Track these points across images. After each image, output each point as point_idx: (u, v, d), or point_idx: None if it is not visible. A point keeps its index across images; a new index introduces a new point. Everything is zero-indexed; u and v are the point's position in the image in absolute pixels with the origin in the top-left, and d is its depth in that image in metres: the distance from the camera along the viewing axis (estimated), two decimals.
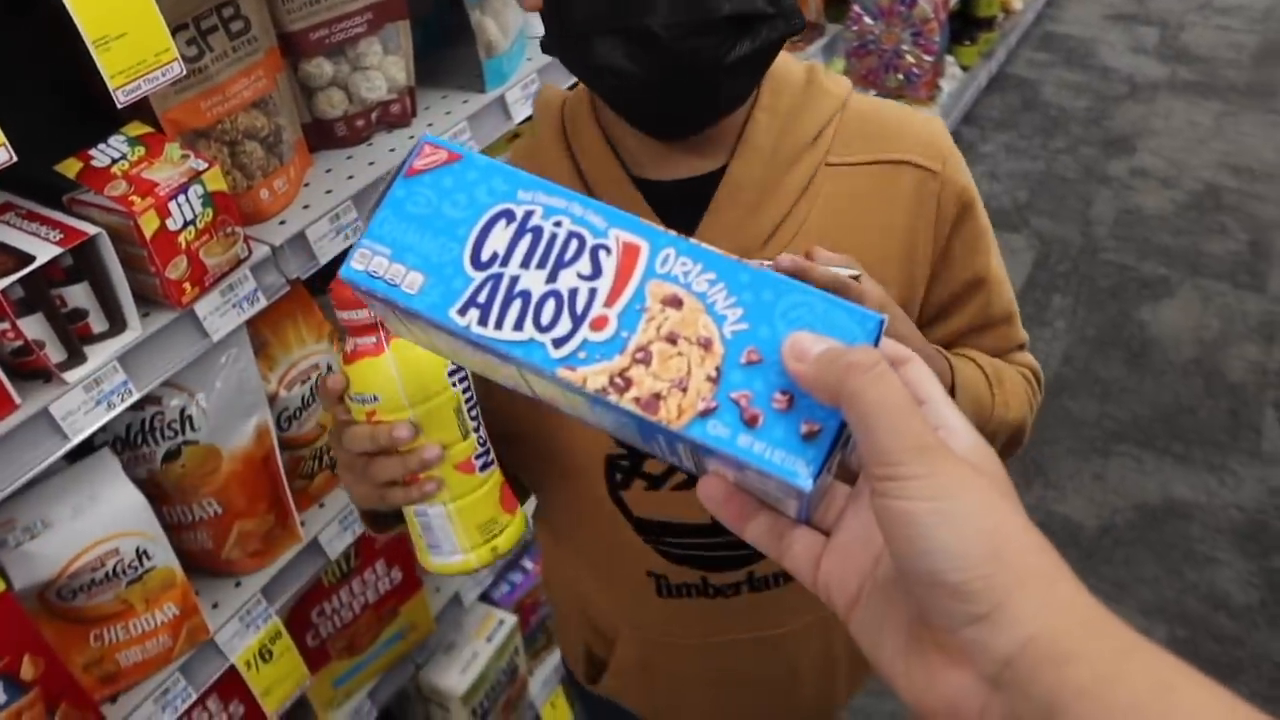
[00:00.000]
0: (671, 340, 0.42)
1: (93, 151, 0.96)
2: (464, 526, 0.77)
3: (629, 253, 0.44)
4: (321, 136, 1.24)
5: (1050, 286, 3.16)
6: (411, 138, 1.28)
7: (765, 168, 0.79)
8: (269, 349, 1.20)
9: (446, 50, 1.41)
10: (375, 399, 0.71)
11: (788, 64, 0.81)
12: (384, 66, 1.23)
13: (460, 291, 0.44)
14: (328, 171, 1.22)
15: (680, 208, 0.79)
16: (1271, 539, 2.41)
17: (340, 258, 1.18)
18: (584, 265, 0.43)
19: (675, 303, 0.43)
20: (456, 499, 0.76)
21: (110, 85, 0.80)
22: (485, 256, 0.44)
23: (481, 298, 0.43)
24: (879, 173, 0.81)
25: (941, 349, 0.83)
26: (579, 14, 0.69)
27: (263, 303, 1.08)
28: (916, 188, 0.81)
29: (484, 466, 0.77)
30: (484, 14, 1.29)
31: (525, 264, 0.44)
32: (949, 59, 3.65)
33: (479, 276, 0.44)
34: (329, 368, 1.27)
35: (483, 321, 0.43)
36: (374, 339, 0.70)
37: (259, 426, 1.17)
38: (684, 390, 0.41)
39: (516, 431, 0.87)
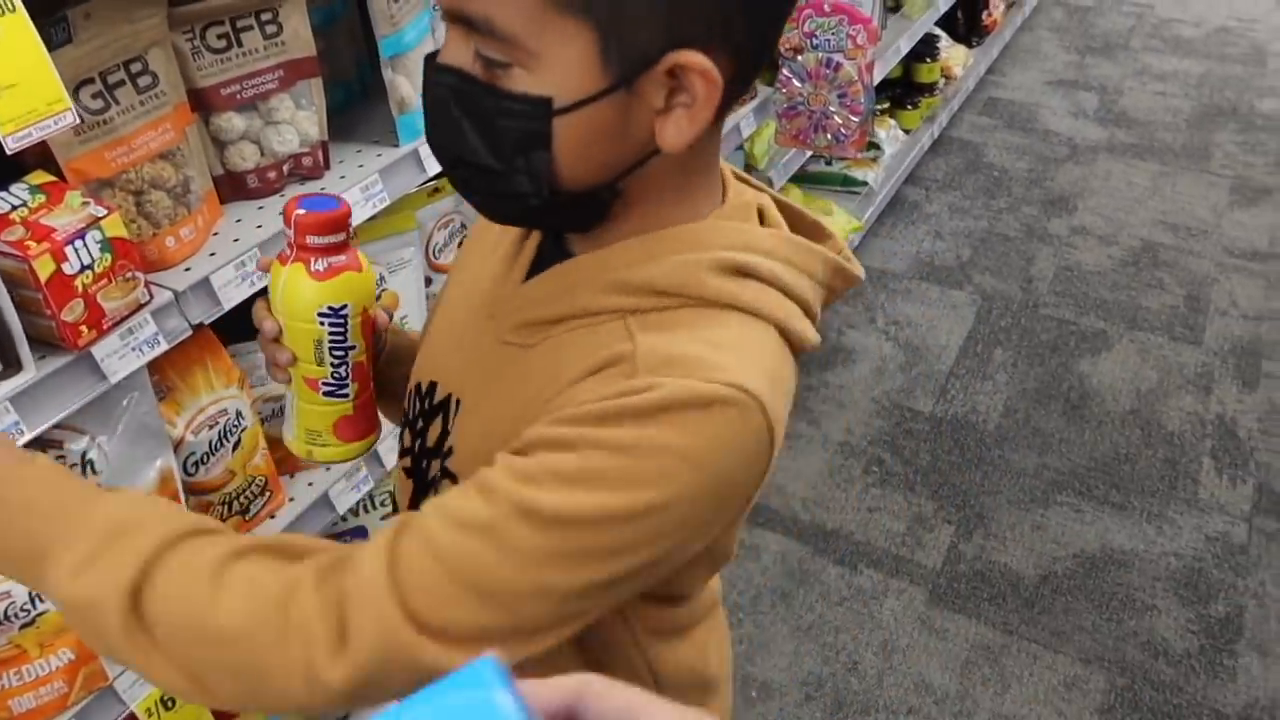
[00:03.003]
0: None
1: None
2: (298, 420, 0.92)
3: None
4: (234, 188, 1.28)
5: (991, 340, 3.23)
6: (323, 189, 1.32)
7: (590, 275, 0.74)
8: (176, 394, 1.22)
9: (364, 107, 1.46)
10: (268, 293, 0.87)
11: (731, 240, 0.73)
12: (296, 121, 1.28)
13: None
14: (238, 221, 1.25)
15: (549, 263, 0.79)
16: (1209, 586, 2.44)
17: (246, 303, 1.21)
18: None
19: None
20: (298, 398, 0.90)
21: None
22: None
23: None
24: (614, 340, 0.71)
25: None
26: None
27: (163, 346, 1.10)
28: (615, 360, 0.69)
29: (328, 394, 0.89)
30: (396, 72, 1.34)
31: None
32: (891, 122, 3.77)
33: None
34: (238, 414, 1.29)
35: None
36: (289, 253, 0.84)
37: (162, 470, 1.18)
38: None
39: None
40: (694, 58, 0.64)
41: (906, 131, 3.84)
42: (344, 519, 1.59)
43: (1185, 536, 2.56)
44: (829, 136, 2.32)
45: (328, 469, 1.46)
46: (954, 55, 4.12)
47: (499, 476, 0.66)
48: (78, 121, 0.91)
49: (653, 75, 0.65)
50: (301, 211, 0.81)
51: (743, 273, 0.72)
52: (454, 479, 0.80)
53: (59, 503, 0.68)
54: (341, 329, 0.86)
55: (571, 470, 0.64)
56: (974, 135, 4.39)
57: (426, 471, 0.84)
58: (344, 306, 0.84)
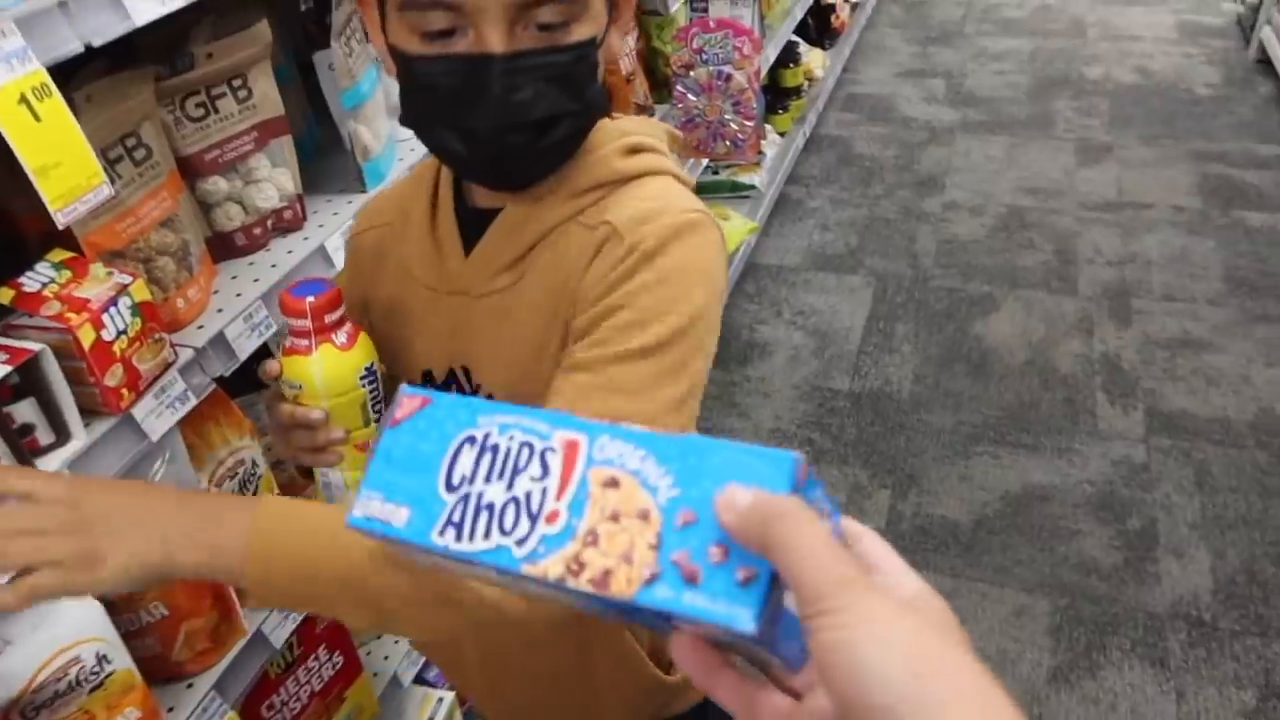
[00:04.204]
0: (614, 518, 0.46)
1: (22, 279, 1.03)
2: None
3: (570, 448, 0.49)
4: (223, 247, 1.33)
5: (892, 317, 3.45)
6: (306, 239, 1.38)
7: (530, 209, 0.91)
8: (195, 450, 1.26)
9: (323, 161, 1.53)
10: (300, 386, 0.90)
11: (607, 130, 0.93)
12: (274, 178, 1.35)
13: (438, 516, 0.50)
14: (234, 278, 1.31)
15: (479, 230, 0.94)
16: (1122, 505, 2.68)
17: (256, 354, 1.27)
18: (535, 469, 0.49)
19: (613, 484, 0.47)
20: (354, 470, 0.95)
21: (51, 208, 0.89)
22: (456, 480, 0.51)
23: (456, 517, 0.50)
24: (588, 233, 0.89)
25: None
26: (420, 109, 0.86)
27: (193, 401, 1.16)
28: (600, 242, 0.87)
29: None
30: (358, 123, 1.42)
31: (488, 479, 0.50)
32: (767, 127, 3.99)
33: (452, 499, 0.50)
34: (254, 462, 1.34)
35: (459, 538, 0.49)
36: (307, 342, 0.89)
37: None
38: (630, 562, 0.45)
39: None
40: None
41: (781, 134, 4.07)
42: None
43: (1094, 464, 2.82)
44: (727, 143, 2.48)
45: None
46: (813, 58, 4.39)
47: (582, 357, 0.83)
48: (113, 194, 0.97)
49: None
50: (311, 299, 0.88)
51: (636, 150, 0.92)
52: None
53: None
54: (376, 383, 0.94)
55: (632, 319, 0.82)
56: (841, 130, 4.67)
57: None
58: (372, 363, 0.93)
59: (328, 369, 0.90)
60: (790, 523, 0.40)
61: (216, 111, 1.26)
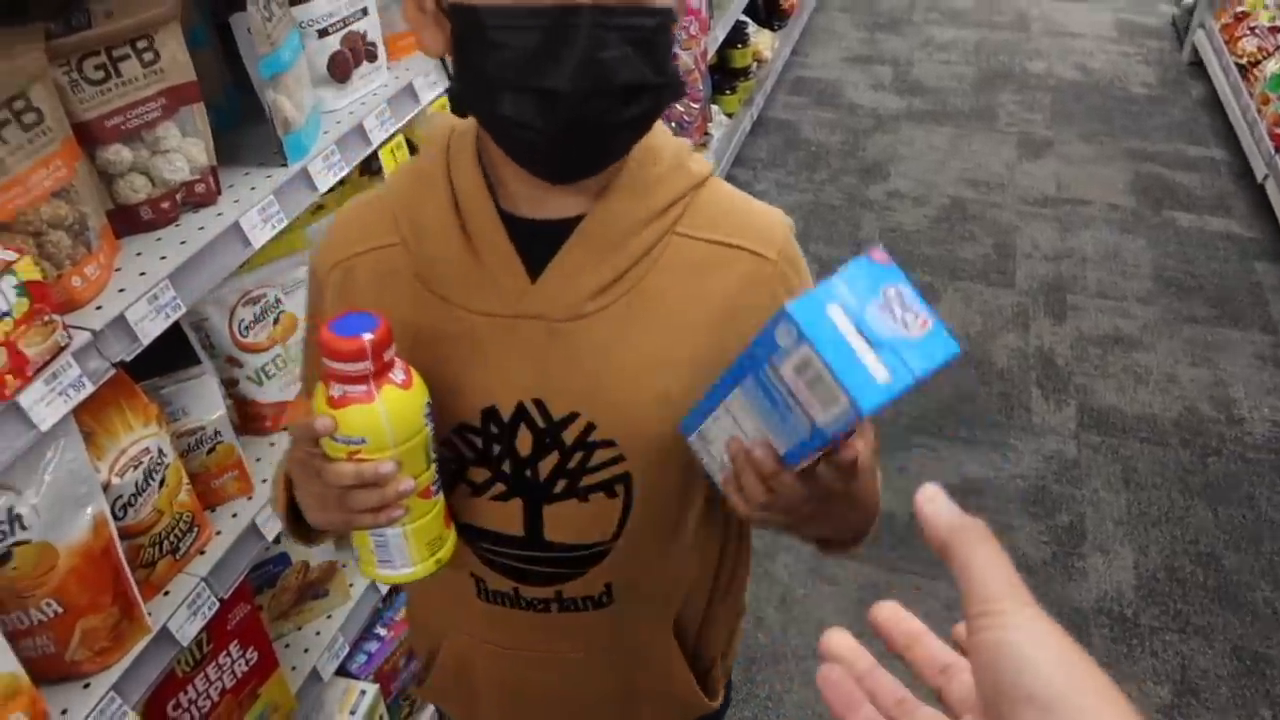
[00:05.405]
0: None
1: None
2: (416, 544, 0.87)
3: None
4: (127, 221, 1.24)
5: None
6: (220, 215, 1.30)
7: (617, 225, 0.85)
8: (95, 438, 1.18)
9: (242, 131, 1.44)
10: (363, 441, 0.78)
11: (663, 137, 0.89)
12: (184, 148, 1.26)
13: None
14: (138, 255, 1.22)
15: (540, 245, 0.85)
16: (1052, 500, 2.71)
17: (165, 336, 1.18)
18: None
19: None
20: (414, 521, 0.85)
21: None
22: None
23: None
24: (719, 252, 0.88)
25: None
26: (492, 72, 0.76)
27: (89, 388, 1.07)
28: (751, 271, 0.89)
29: (437, 490, 0.87)
30: (278, 93, 1.34)
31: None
32: (714, 108, 3.94)
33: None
34: (160, 451, 1.25)
35: None
36: (364, 388, 0.77)
37: (96, 517, 1.14)
38: None
39: None
40: None
41: (729, 116, 4.02)
42: (274, 543, 1.55)
43: (1027, 459, 2.84)
44: (673, 124, 2.42)
45: (250, 498, 1.44)
46: (762, 39, 4.34)
47: None
48: None
49: None
50: (369, 336, 0.76)
51: (691, 152, 0.92)
52: (609, 443, 0.89)
53: None
54: (434, 414, 0.83)
55: None
56: (789, 114, 4.64)
57: (537, 475, 0.91)
58: (429, 398, 0.82)
59: (395, 414, 0.78)
60: (974, 534, 0.46)
61: (119, 75, 1.17)
